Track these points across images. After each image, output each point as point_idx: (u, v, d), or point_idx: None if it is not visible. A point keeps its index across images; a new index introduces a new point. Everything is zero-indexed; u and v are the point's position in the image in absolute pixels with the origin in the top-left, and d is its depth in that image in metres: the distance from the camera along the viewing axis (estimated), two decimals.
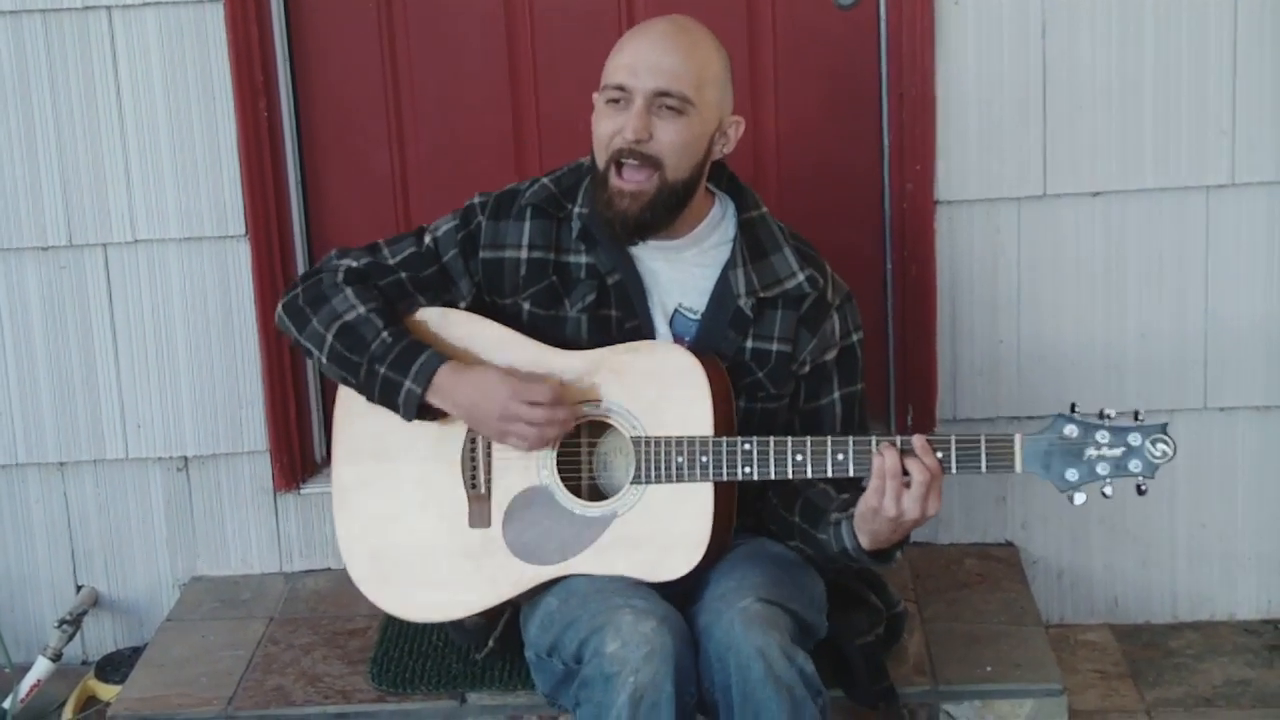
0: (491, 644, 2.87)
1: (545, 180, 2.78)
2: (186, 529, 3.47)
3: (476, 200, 2.80)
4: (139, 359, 3.39)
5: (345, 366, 2.72)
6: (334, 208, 3.41)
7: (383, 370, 2.68)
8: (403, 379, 2.67)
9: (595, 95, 2.72)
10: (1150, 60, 3.19)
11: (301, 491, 3.43)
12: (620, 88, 2.60)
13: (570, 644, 2.56)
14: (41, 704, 3.33)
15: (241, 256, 3.34)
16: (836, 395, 2.79)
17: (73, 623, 3.38)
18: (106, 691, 3.27)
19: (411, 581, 2.77)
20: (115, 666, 3.32)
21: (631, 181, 2.63)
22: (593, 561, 2.65)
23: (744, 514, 2.79)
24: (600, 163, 2.66)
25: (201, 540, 3.47)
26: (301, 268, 3.40)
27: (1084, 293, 3.28)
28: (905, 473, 2.48)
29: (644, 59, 2.60)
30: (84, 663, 3.48)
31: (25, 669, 3.34)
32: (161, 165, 3.31)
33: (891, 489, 2.48)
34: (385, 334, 2.69)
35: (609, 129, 2.63)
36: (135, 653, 3.29)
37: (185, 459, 3.44)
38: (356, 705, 2.93)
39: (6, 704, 3.27)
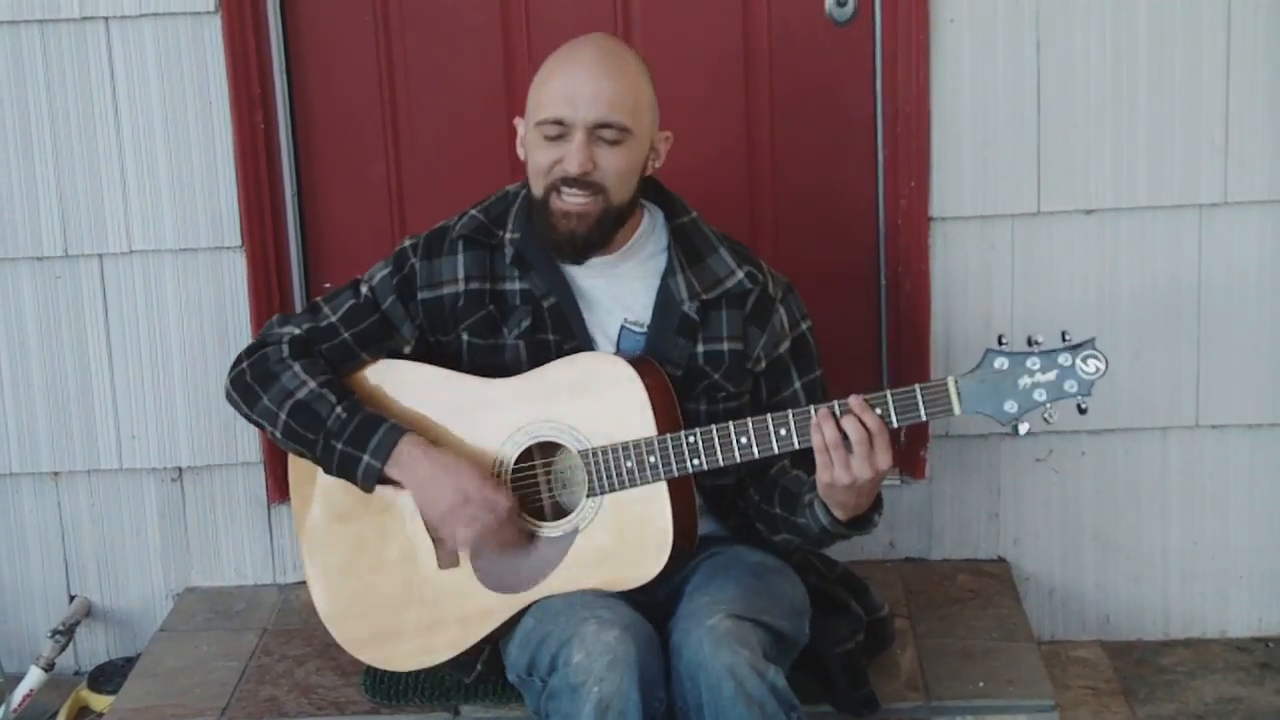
0: (480, 668, 2.87)
1: (473, 211, 2.79)
2: (180, 540, 3.47)
3: (406, 244, 2.81)
4: (134, 369, 3.39)
5: (301, 442, 2.73)
6: (330, 219, 3.42)
7: (340, 445, 2.69)
8: (361, 454, 2.68)
9: (519, 122, 2.71)
10: (1144, 79, 3.20)
11: None
12: (559, 121, 2.60)
13: (544, 660, 2.57)
14: (34, 714, 3.32)
15: (237, 268, 3.34)
16: (798, 385, 2.79)
17: (65, 633, 3.38)
18: (99, 702, 3.27)
19: (393, 633, 2.79)
20: (108, 677, 3.32)
21: (575, 203, 2.63)
22: (563, 580, 2.66)
23: (726, 515, 2.81)
24: (538, 190, 2.66)
25: (195, 551, 3.47)
26: (297, 279, 3.41)
27: (1077, 310, 3.28)
28: (845, 438, 2.49)
29: (580, 90, 2.59)
30: (77, 673, 3.47)
31: (18, 679, 3.34)
32: (158, 176, 3.31)
33: (837, 459, 2.49)
34: (339, 409, 2.69)
35: (547, 159, 2.63)
36: (128, 663, 3.29)
37: (179, 470, 3.44)
38: (350, 717, 2.93)
39: None
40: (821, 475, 2.52)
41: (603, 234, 2.67)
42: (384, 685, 2.97)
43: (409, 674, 2.98)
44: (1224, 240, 3.25)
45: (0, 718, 3.26)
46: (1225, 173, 3.22)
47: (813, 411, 2.52)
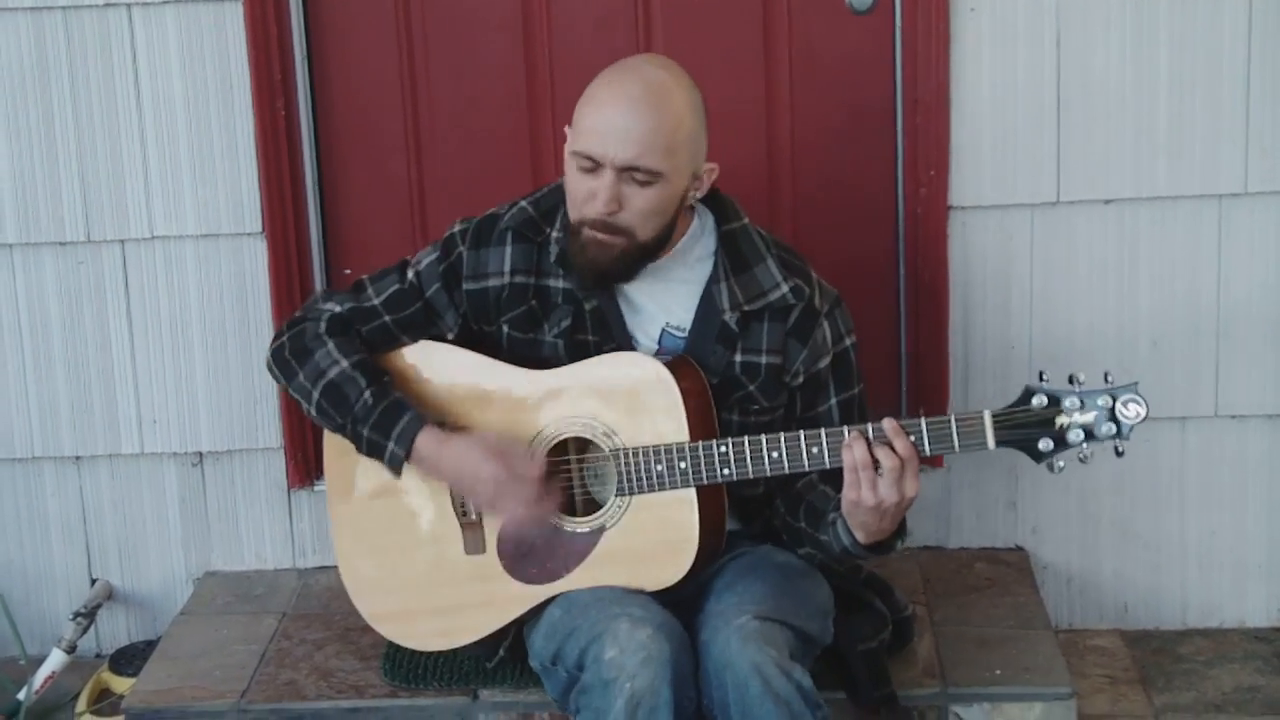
0: (502, 653, 2.89)
1: (524, 203, 2.78)
2: (201, 524, 3.49)
3: (456, 229, 2.80)
4: (155, 355, 3.41)
5: (331, 423, 2.76)
6: (350, 205, 3.43)
7: (365, 432, 2.71)
8: (386, 441, 2.70)
9: (569, 130, 2.67)
10: (1164, 69, 3.20)
11: (315, 488, 3.45)
12: (589, 157, 2.57)
13: (572, 653, 2.59)
14: (56, 696, 3.35)
15: (258, 254, 3.36)
16: (834, 401, 2.78)
17: (87, 615, 3.40)
18: (120, 684, 3.29)
19: (417, 613, 2.81)
20: (129, 659, 3.34)
21: (600, 237, 2.61)
22: (587, 576, 2.67)
23: (750, 520, 2.82)
24: (573, 217, 2.64)
25: (215, 535, 3.49)
26: (317, 265, 3.42)
27: (1096, 300, 3.29)
28: (877, 462, 2.49)
29: (614, 129, 2.54)
30: (98, 655, 3.50)
31: (40, 661, 3.36)
32: (179, 162, 3.33)
33: (865, 479, 2.48)
34: (367, 394, 2.70)
35: (581, 190, 2.60)
36: (149, 646, 3.31)
37: (200, 454, 3.46)
38: (369, 700, 2.95)
39: (21, 695, 3.29)
40: (848, 493, 2.51)
41: (625, 268, 2.65)
42: (403, 669, 2.98)
43: (428, 657, 2.99)
44: (1244, 230, 3.25)
45: (23, 699, 3.29)
46: (1245, 162, 3.21)
47: (846, 432, 2.52)
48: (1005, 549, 3.42)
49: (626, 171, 2.56)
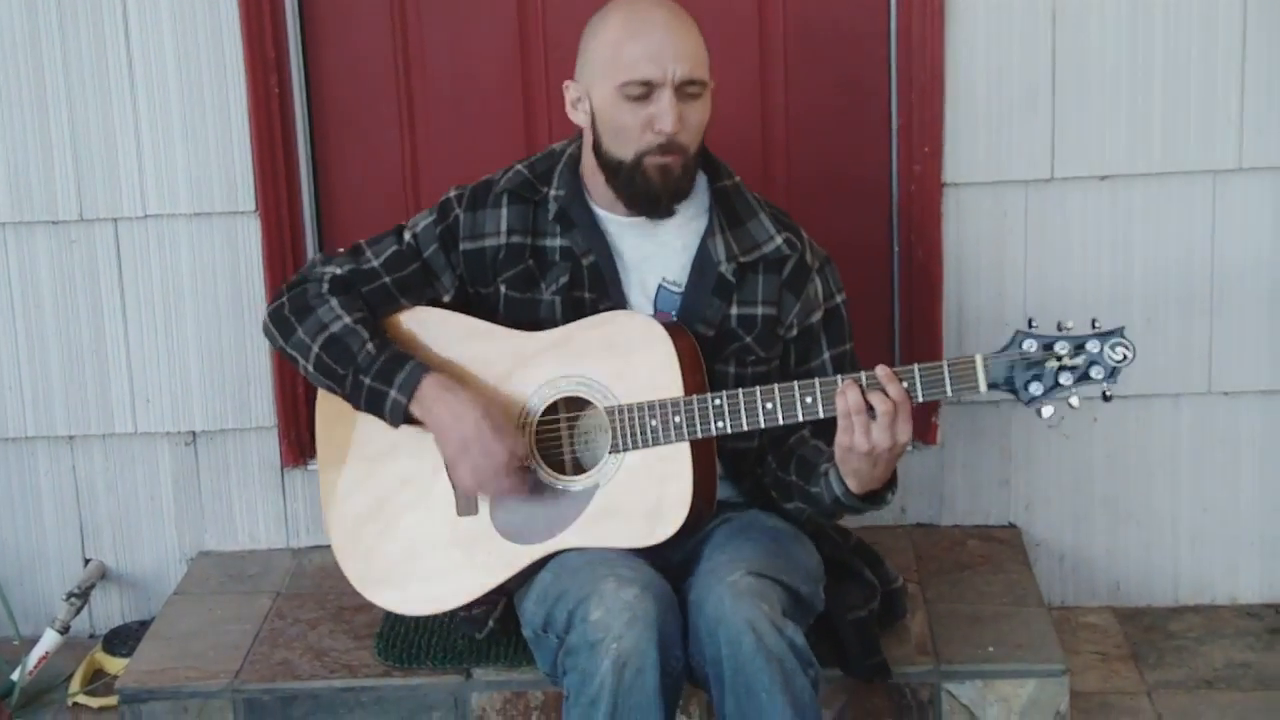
0: (492, 624, 2.89)
1: (519, 166, 2.81)
2: (194, 504, 3.48)
3: (452, 194, 2.83)
4: (148, 333, 3.40)
5: (331, 376, 2.76)
6: (344, 184, 3.42)
7: (368, 381, 2.71)
8: (388, 389, 2.70)
9: (570, 85, 2.71)
10: (1159, 45, 3.19)
11: (309, 468, 3.45)
12: (647, 82, 2.61)
13: (561, 617, 2.59)
14: (49, 676, 3.34)
15: (251, 232, 3.35)
16: (826, 356, 2.81)
17: (81, 596, 3.40)
18: (114, 664, 3.29)
19: (407, 577, 2.81)
20: (123, 640, 3.34)
21: (662, 160, 2.66)
22: (581, 535, 2.68)
23: (741, 478, 2.83)
24: (628, 153, 2.66)
25: (209, 515, 3.49)
26: (311, 244, 3.41)
27: (1090, 276, 3.29)
28: (870, 407, 2.50)
29: (665, 48, 2.61)
30: (91, 636, 3.50)
31: (33, 641, 3.36)
32: (173, 140, 3.32)
33: (859, 424, 2.50)
34: (370, 345, 2.72)
35: (637, 121, 2.63)
36: (142, 626, 3.31)
37: (193, 434, 3.46)
38: (362, 679, 2.95)
39: (15, 675, 3.29)
40: (841, 439, 2.53)
41: (687, 185, 2.71)
42: (396, 648, 2.99)
43: (421, 636, 3.00)
44: (1238, 206, 3.24)
45: (16, 680, 3.28)
46: (1240, 139, 3.21)
47: (839, 381, 2.54)
48: (998, 526, 3.42)
49: (682, 87, 2.62)
